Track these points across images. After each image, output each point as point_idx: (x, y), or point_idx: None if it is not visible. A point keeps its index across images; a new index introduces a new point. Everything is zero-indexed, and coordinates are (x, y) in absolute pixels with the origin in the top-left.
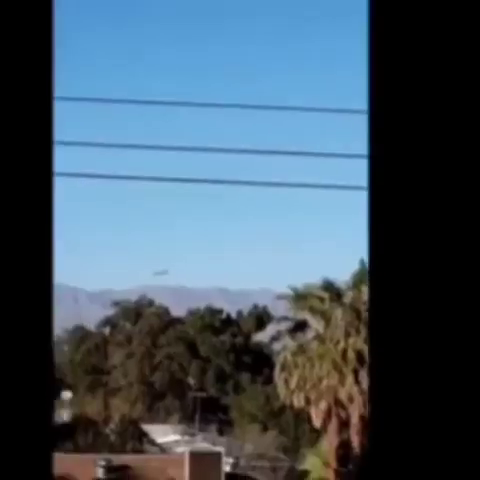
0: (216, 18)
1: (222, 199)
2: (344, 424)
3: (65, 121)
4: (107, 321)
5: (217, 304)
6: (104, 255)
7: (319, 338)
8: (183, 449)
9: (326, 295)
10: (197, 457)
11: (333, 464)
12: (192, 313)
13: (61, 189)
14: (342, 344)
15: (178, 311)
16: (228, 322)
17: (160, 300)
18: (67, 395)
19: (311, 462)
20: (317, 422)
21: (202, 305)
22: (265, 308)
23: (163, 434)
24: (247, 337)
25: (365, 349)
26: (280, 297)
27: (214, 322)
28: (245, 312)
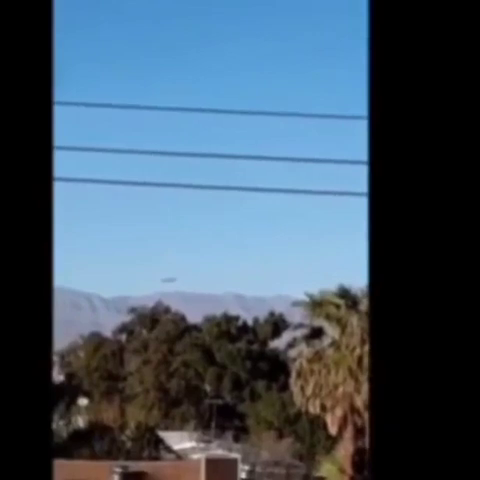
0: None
1: (239, 205)
2: (360, 431)
3: (65, 126)
4: (123, 328)
5: (233, 311)
6: (121, 261)
7: (335, 345)
8: (199, 456)
9: (342, 302)
10: (213, 464)
11: (349, 471)
12: (208, 320)
13: (74, 194)
14: (358, 351)
15: (194, 318)
16: (244, 329)
17: (176, 306)
18: (83, 402)
19: (327, 469)
20: (333, 429)
21: (218, 311)
22: (281, 315)
23: (179, 441)
24: (263, 344)
25: None
26: (296, 304)
27: (230, 329)
28: (261, 319)
